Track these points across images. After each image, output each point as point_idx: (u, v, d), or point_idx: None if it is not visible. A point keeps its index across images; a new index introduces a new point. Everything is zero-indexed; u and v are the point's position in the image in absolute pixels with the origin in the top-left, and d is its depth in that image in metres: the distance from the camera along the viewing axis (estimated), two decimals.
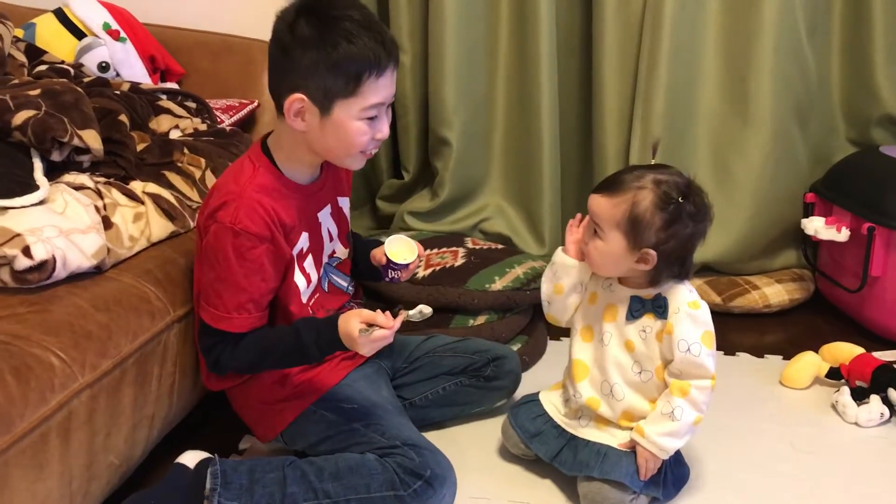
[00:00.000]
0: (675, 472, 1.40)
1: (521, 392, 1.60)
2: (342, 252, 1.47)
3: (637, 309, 1.34)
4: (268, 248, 1.27)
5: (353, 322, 1.24)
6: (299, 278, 1.36)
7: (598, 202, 1.31)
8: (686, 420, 1.31)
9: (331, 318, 1.28)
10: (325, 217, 1.41)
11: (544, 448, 1.44)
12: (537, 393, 1.51)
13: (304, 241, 1.35)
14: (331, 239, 1.43)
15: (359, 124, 1.25)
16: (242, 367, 1.34)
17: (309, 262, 1.38)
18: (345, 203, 1.47)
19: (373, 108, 1.24)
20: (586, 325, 1.42)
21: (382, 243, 1.43)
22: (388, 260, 1.40)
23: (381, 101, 1.25)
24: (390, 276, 1.45)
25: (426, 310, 1.26)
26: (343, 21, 1.20)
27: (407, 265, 1.41)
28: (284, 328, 1.32)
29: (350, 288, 1.51)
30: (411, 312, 1.25)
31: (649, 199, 1.27)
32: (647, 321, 1.34)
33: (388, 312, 1.24)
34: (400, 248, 1.41)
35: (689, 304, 1.32)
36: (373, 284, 1.82)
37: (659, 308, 1.33)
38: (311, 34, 1.20)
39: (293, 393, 1.40)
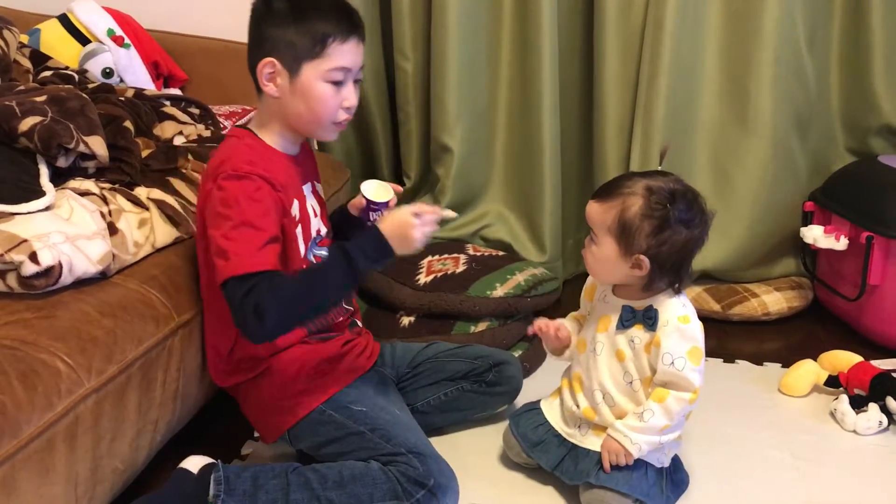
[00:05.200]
0: (674, 478, 1.41)
1: (522, 399, 1.61)
2: (324, 230, 1.49)
3: (628, 318, 1.35)
4: (270, 189, 1.30)
5: (403, 212, 1.29)
6: (300, 242, 1.38)
7: (592, 208, 1.34)
8: (653, 424, 1.31)
9: (370, 227, 1.32)
10: (308, 193, 1.44)
11: (546, 457, 1.44)
12: (538, 401, 1.52)
13: (295, 208, 1.38)
14: (315, 215, 1.45)
15: (324, 86, 1.32)
16: (287, 304, 1.24)
17: (299, 231, 1.39)
18: (320, 188, 1.52)
19: (338, 70, 1.32)
20: (581, 337, 1.44)
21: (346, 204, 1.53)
22: (368, 202, 1.44)
23: (347, 66, 1.33)
24: (372, 219, 1.46)
25: (448, 213, 1.37)
26: None
27: (386, 203, 1.44)
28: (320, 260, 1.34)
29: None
30: (444, 213, 1.35)
31: (638, 206, 1.29)
32: (637, 332, 1.35)
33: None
34: (377, 189, 1.46)
35: (680, 318, 1.32)
36: (374, 290, 1.84)
37: (649, 320, 1.33)
38: (284, 7, 1.32)
39: (304, 389, 1.40)
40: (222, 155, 1.34)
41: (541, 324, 1.47)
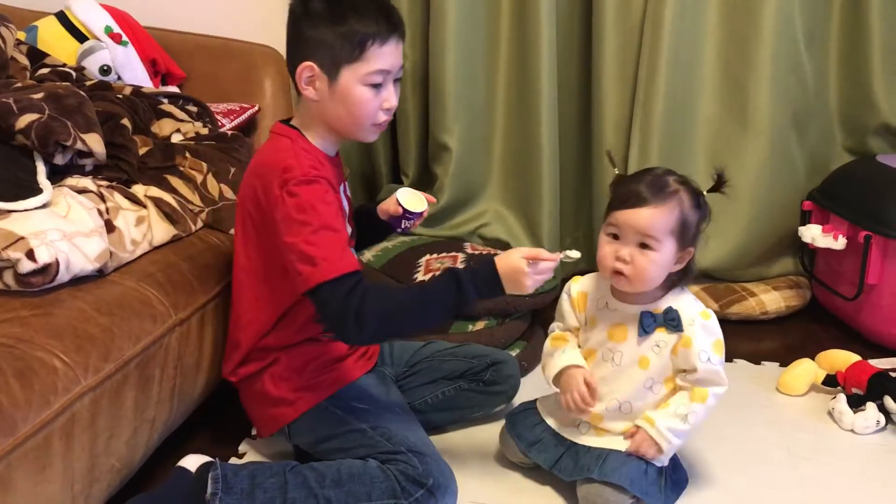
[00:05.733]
0: (673, 477, 1.41)
1: (519, 397, 1.61)
2: (350, 231, 1.47)
3: (649, 324, 1.34)
4: (333, 192, 1.31)
5: (516, 257, 1.27)
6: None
7: (649, 215, 1.28)
8: (696, 424, 1.34)
9: (482, 257, 1.30)
10: (342, 194, 1.43)
11: (543, 456, 1.44)
12: (534, 401, 1.52)
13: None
14: (345, 216, 1.44)
15: (363, 90, 1.30)
16: (388, 318, 1.26)
17: None
18: (347, 189, 1.51)
19: (377, 73, 1.30)
20: (587, 348, 1.42)
21: (374, 206, 1.53)
22: (404, 210, 1.47)
23: (386, 69, 1.31)
24: (403, 226, 1.51)
25: (573, 254, 1.32)
26: None
27: (421, 213, 1.48)
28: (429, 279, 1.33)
29: None
30: (569, 252, 1.31)
31: (688, 199, 1.31)
32: (660, 335, 1.35)
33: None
34: (412, 200, 1.48)
35: (702, 315, 1.35)
36: None
37: (672, 321, 1.34)
38: (322, 8, 1.29)
39: (308, 384, 1.40)
40: (282, 157, 1.31)
41: (579, 403, 1.36)
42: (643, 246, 1.30)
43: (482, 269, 1.29)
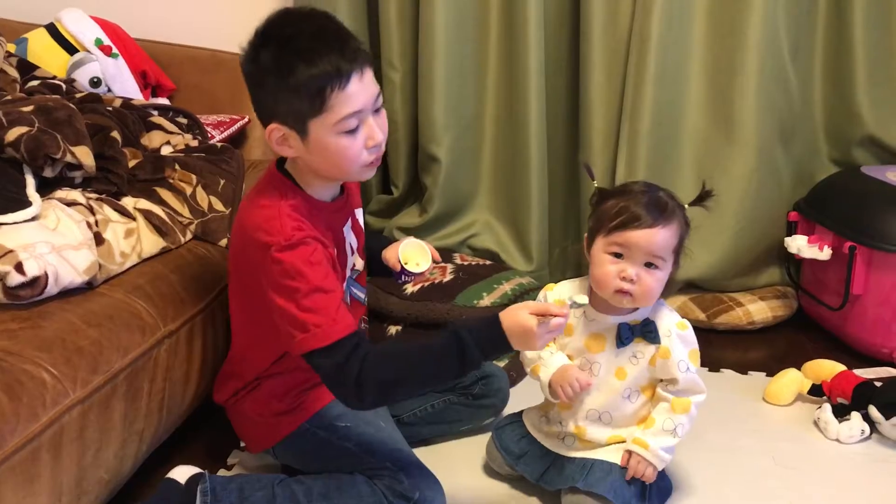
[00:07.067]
0: (659, 486, 1.42)
1: (507, 408, 1.62)
2: (360, 264, 1.46)
3: (627, 336, 1.35)
4: (323, 248, 1.24)
5: (524, 315, 1.17)
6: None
7: (659, 235, 1.28)
8: (683, 434, 1.35)
9: (485, 316, 1.22)
10: (347, 232, 1.39)
11: (530, 469, 1.44)
12: (520, 413, 1.52)
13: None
14: (352, 252, 1.41)
15: (339, 139, 1.21)
16: (388, 386, 1.22)
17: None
18: (360, 214, 1.46)
19: (348, 119, 1.19)
20: (566, 354, 1.42)
21: (394, 241, 1.46)
22: (402, 266, 1.41)
23: (357, 110, 1.20)
24: (402, 280, 1.47)
25: (581, 299, 1.30)
26: (298, 39, 1.18)
27: (422, 273, 1.42)
28: (430, 338, 1.24)
29: (367, 299, 1.51)
30: (576, 299, 1.29)
31: (682, 216, 1.33)
32: (638, 346, 1.36)
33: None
34: (414, 254, 1.42)
35: (678, 325, 1.36)
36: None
37: (650, 333, 1.35)
38: (269, 60, 1.19)
39: (289, 408, 1.39)
40: (265, 217, 1.24)
41: (568, 392, 1.34)
42: (648, 265, 1.30)
43: (487, 330, 1.20)
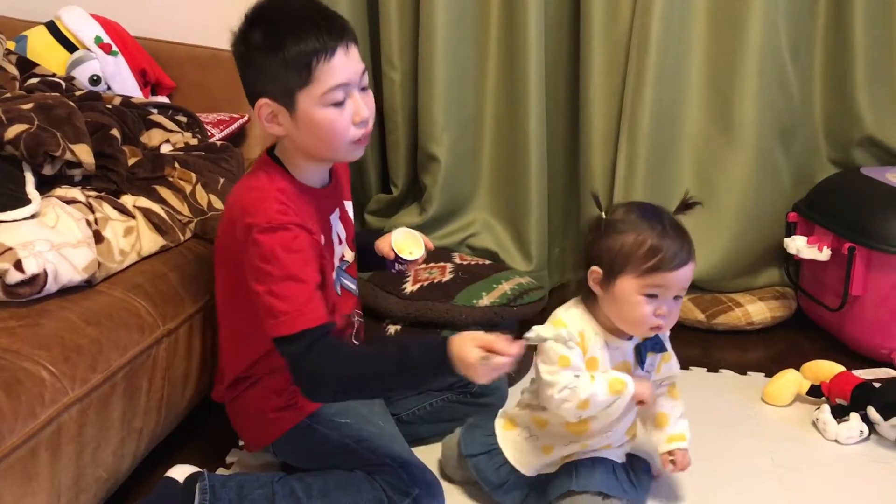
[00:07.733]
0: (634, 465, 1.43)
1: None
2: (350, 255, 1.46)
3: (644, 357, 1.36)
4: (307, 236, 1.25)
5: (469, 347, 1.15)
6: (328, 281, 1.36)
7: (693, 268, 1.29)
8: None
9: (438, 338, 1.22)
10: (335, 221, 1.40)
11: (510, 497, 1.41)
12: (495, 441, 1.43)
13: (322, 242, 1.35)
14: (340, 242, 1.42)
15: (326, 111, 1.24)
16: (341, 375, 1.24)
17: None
18: (349, 206, 1.48)
19: (334, 90, 1.23)
20: None
21: (385, 233, 1.46)
22: (396, 255, 1.42)
23: (343, 82, 1.23)
24: (396, 269, 1.47)
25: (545, 332, 1.22)
26: (285, 18, 1.24)
27: (415, 260, 1.43)
28: (383, 344, 1.27)
29: (357, 290, 1.51)
30: (529, 336, 1.21)
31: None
32: (650, 359, 1.38)
33: (503, 336, 1.16)
34: (407, 242, 1.42)
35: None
36: (362, 299, 1.83)
37: (657, 345, 1.37)
38: (259, 38, 1.24)
39: (288, 403, 1.39)
40: (252, 198, 1.27)
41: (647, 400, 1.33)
42: (676, 297, 1.29)
43: (433, 353, 1.19)
